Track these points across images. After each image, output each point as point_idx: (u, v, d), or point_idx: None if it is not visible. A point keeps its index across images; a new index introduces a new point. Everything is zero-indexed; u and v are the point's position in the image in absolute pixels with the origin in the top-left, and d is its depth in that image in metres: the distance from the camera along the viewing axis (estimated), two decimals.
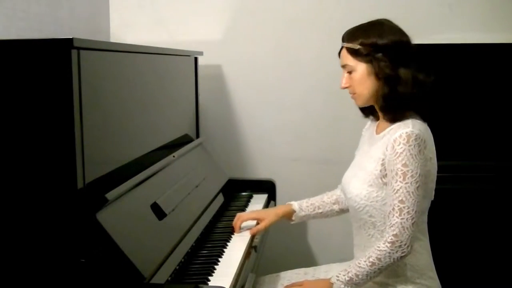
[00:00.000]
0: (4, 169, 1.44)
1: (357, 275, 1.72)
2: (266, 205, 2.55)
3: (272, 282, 2.05)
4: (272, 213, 2.12)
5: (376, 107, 1.86)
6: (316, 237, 3.11)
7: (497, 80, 2.68)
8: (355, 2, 2.91)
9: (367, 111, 1.94)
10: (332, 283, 1.75)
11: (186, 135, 2.53)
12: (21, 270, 1.46)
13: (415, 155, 1.68)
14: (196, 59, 2.69)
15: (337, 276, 1.75)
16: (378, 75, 1.77)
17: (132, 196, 1.71)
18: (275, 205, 2.66)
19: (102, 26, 2.94)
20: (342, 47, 1.85)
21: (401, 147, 1.69)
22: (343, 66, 1.85)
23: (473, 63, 2.68)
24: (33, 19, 2.19)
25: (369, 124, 1.98)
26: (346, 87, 1.85)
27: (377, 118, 1.92)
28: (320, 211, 2.10)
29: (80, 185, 1.44)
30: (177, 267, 1.73)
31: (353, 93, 1.85)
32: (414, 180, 1.68)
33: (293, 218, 2.11)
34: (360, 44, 1.79)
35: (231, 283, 1.69)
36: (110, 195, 1.54)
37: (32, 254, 1.45)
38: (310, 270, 2.08)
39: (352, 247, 1.94)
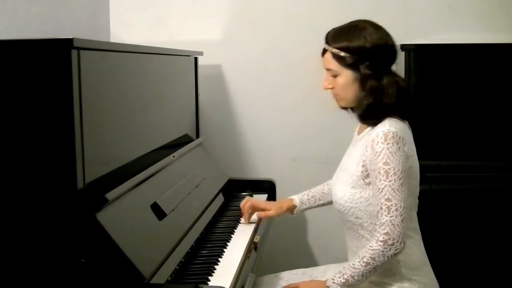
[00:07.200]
0: (4, 169, 1.44)
1: (352, 276, 1.72)
2: None
3: (271, 283, 2.05)
4: (278, 206, 2.20)
5: (356, 112, 1.87)
6: (316, 237, 3.10)
7: (497, 80, 2.68)
8: (355, 3, 2.91)
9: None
10: (328, 286, 1.75)
11: (186, 135, 2.53)
12: (22, 270, 1.45)
13: (394, 152, 1.70)
14: (196, 59, 2.69)
15: (333, 279, 1.75)
16: (363, 85, 1.80)
17: (132, 196, 1.71)
18: None
19: (102, 26, 2.94)
20: (325, 50, 1.87)
21: (380, 146, 1.71)
22: (327, 69, 1.87)
23: (473, 63, 2.68)
24: (33, 19, 2.19)
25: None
26: (329, 88, 1.88)
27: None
28: (321, 202, 2.17)
29: (80, 185, 1.44)
30: (177, 267, 1.73)
31: (336, 95, 1.89)
32: (397, 177, 1.70)
33: (295, 212, 2.18)
34: (345, 51, 1.80)
35: (231, 283, 1.69)
36: (110, 195, 1.54)
37: (32, 254, 1.45)
38: (308, 270, 2.09)
39: None
